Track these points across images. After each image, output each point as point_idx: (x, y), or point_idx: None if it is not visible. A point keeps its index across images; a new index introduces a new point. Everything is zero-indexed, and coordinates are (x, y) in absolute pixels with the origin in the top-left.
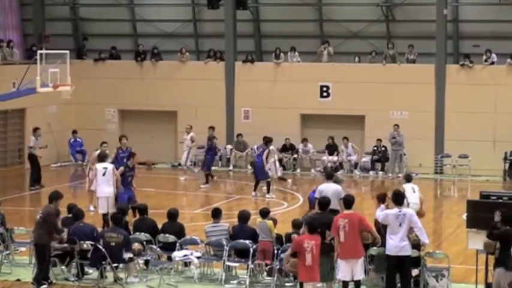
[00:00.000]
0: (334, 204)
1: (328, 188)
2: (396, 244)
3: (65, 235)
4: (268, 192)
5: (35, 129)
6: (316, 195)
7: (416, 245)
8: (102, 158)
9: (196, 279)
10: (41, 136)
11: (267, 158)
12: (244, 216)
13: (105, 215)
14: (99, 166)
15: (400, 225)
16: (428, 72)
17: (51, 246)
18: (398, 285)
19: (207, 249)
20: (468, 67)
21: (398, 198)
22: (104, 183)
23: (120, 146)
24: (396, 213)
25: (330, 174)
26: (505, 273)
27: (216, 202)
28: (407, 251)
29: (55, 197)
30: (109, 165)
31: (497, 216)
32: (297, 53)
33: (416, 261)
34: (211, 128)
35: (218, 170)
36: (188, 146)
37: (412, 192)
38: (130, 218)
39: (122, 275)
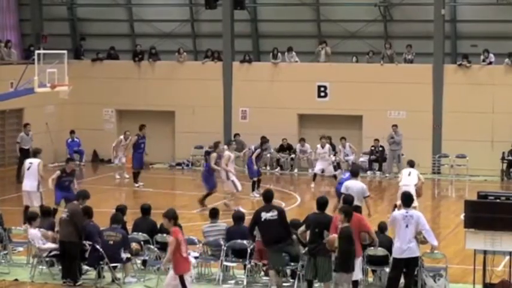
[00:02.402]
0: (359, 201)
1: (355, 185)
2: (402, 247)
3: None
4: (253, 190)
5: (25, 125)
6: (343, 190)
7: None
8: (34, 153)
9: (194, 279)
10: (32, 132)
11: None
12: (238, 217)
13: (27, 207)
14: (27, 161)
15: (407, 226)
16: (426, 72)
17: (80, 244)
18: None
19: (205, 249)
20: (466, 67)
21: (407, 200)
22: (28, 177)
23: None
24: (403, 214)
25: (355, 172)
26: (341, 275)
27: (214, 202)
28: (414, 252)
29: (82, 195)
30: (35, 161)
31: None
32: (294, 53)
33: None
34: (143, 126)
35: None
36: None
37: (407, 176)
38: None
39: (119, 275)
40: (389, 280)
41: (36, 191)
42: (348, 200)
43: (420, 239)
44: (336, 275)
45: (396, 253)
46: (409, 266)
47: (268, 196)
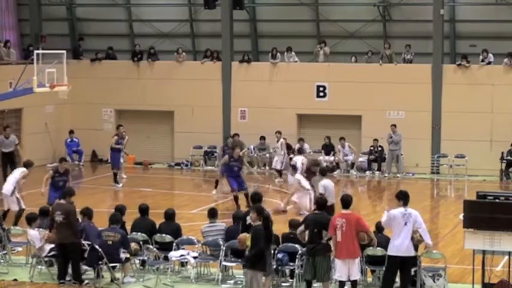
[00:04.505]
0: (333, 199)
1: (331, 184)
2: (399, 245)
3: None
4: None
5: (5, 128)
6: (321, 190)
7: (415, 245)
8: (24, 164)
9: (193, 279)
10: (14, 135)
11: None
12: (238, 217)
13: (6, 211)
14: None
15: (406, 224)
16: (425, 72)
17: (80, 244)
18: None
19: (204, 249)
20: (465, 67)
21: (405, 198)
22: (7, 181)
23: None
24: (402, 213)
25: (324, 171)
26: (255, 273)
27: (212, 202)
28: (411, 251)
29: (68, 193)
30: (21, 169)
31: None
32: (293, 53)
33: (413, 261)
34: (120, 125)
35: (215, 170)
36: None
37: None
38: None
39: (118, 275)
40: (384, 278)
41: (10, 195)
42: (321, 202)
43: (416, 238)
44: (251, 273)
45: (392, 251)
46: (405, 265)
47: (255, 199)
